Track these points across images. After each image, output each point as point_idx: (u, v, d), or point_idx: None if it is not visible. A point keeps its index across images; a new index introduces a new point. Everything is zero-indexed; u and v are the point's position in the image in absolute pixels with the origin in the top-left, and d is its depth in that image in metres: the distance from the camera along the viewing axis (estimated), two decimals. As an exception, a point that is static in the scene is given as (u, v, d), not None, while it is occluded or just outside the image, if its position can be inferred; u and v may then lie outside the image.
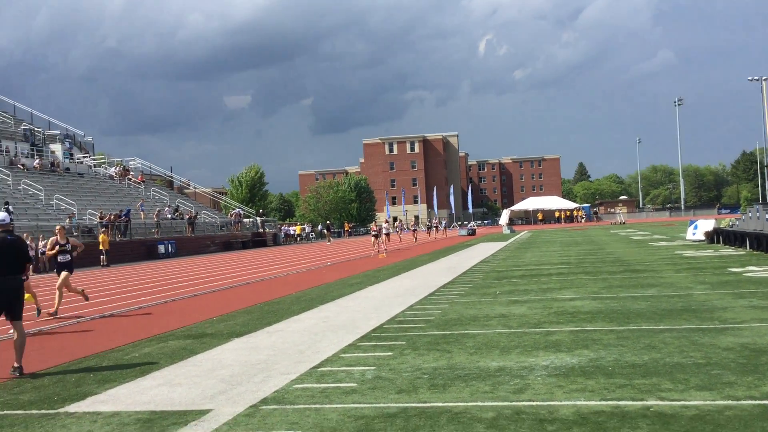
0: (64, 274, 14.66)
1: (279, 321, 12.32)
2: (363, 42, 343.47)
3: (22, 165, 48.77)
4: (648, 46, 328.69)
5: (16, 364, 8.72)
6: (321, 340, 10.10)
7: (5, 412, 6.84)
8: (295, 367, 8.28)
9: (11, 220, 9.21)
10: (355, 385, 7.19)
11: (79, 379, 8.22)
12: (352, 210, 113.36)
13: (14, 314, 8.84)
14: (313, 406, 6.48)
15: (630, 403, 6.04)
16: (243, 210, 66.75)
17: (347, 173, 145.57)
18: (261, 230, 62.80)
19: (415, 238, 52.49)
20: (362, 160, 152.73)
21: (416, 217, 49.23)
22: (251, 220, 64.28)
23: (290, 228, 71.69)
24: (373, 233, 34.78)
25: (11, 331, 9.04)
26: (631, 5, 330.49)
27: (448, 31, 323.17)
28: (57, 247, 14.67)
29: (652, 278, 16.15)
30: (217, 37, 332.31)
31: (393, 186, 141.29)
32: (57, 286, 14.78)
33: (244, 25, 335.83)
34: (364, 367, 8.01)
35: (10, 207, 37.34)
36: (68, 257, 14.81)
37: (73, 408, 6.84)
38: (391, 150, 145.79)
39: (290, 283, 20.49)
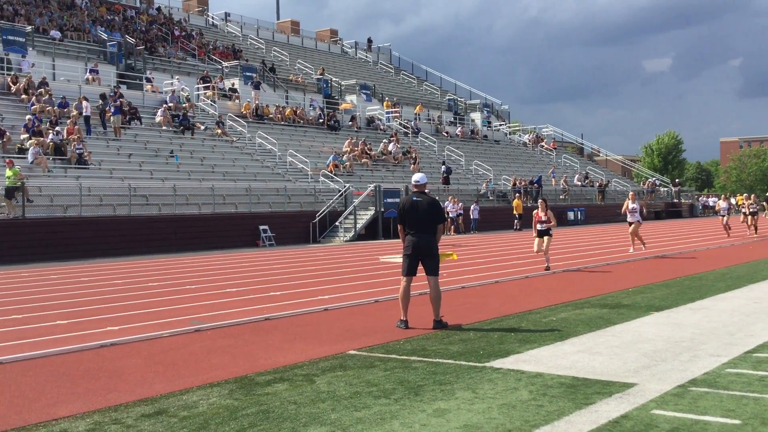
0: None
1: (702, 298, 11.47)
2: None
3: (447, 132, 52.82)
4: None
5: (435, 318, 9.34)
6: (754, 322, 9.12)
7: (438, 360, 7.38)
8: (726, 349, 7.57)
9: (426, 181, 9.70)
10: (802, 378, 6.31)
11: (502, 337, 8.54)
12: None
13: (429, 270, 9.36)
14: (750, 394, 5.83)
15: None
16: (658, 179, 63.99)
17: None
18: (676, 200, 59.63)
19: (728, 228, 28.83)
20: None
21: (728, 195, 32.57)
22: (666, 189, 61.37)
23: (709, 199, 66.81)
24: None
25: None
26: None
27: None
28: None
29: None
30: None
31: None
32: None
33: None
34: (811, 359, 7.01)
35: (444, 168, 40.69)
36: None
37: (498, 364, 7.11)
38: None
39: (712, 258, 19.04)
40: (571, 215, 44.66)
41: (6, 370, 7.37)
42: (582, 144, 70.69)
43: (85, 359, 7.80)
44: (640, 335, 8.45)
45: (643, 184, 60.34)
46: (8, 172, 22.92)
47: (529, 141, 60.50)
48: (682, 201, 60.48)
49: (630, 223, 20.81)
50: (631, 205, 20.74)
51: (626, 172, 79.52)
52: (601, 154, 71.52)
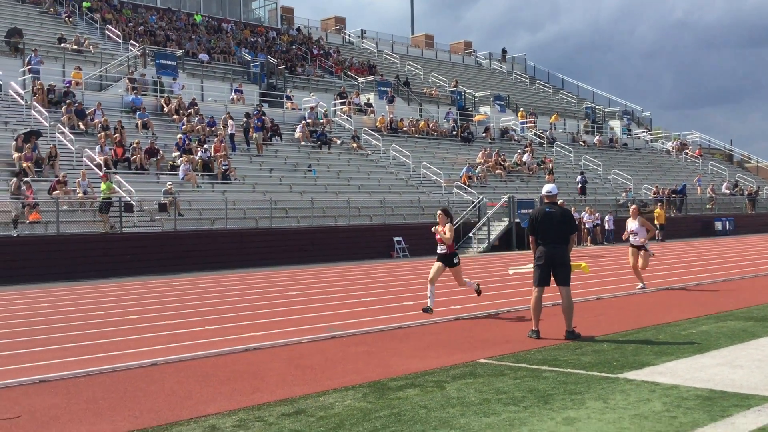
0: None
1: None
2: None
3: (584, 142, 51.64)
4: None
5: (568, 328, 9.26)
6: None
7: (569, 370, 7.35)
8: None
9: (557, 191, 9.75)
10: None
11: (637, 349, 8.37)
12: None
13: (560, 280, 9.33)
14: None
15: None
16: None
17: None
18: (836, 209, 55.45)
19: None
20: None
21: None
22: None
23: None
24: None
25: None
26: None
27: None
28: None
29: None
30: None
31: None
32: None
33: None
34: None
35: (580, 178, 39.86)
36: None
37: (631, 375, 7.00)
38: None
39: None
40: (718, 225, 42.52)
41: (161, 370, 7.98)
42: (731, 150, 67.13)
43: (230, 362, 8.32)
44: (787, 350, 8.06)
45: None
46: (102, 186, 23.04)
47: (673, 148, 58.09)
48: None
49: (634, 247, 14.93)
50: (630, 226, 15.09)
51: (780, 179, 74.66)
52: (752, 161, 67.68)
